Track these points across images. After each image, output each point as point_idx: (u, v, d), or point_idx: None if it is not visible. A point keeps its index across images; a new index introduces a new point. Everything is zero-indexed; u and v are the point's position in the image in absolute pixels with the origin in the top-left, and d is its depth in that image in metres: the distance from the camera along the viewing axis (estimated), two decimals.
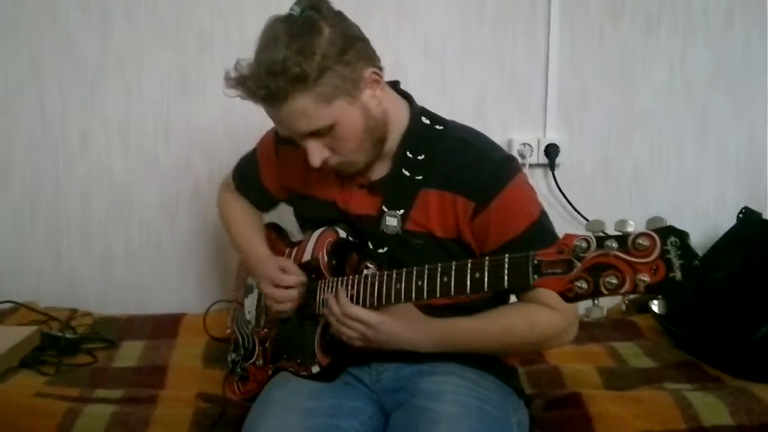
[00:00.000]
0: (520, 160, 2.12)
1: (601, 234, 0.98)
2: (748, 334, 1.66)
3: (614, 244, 0.96)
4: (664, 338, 1.91)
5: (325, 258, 1.41)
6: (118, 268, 2.16)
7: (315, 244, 1.44)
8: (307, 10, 1.27)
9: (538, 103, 2.18)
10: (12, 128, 2.09)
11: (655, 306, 0.94)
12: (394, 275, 1.25)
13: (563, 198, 2.18)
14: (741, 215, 2.04)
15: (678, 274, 0.92)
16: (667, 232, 0.93)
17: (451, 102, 2.12)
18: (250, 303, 1.61)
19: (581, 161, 2.21)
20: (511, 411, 1.37)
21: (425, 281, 1.20)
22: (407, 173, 1.37)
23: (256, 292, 1.61)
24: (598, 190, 2.22)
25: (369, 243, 1.38)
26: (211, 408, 1.48)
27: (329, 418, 1.32)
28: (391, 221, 1.36)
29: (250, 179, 1.63)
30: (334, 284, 1.36)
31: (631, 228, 0.95)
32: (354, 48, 1.27)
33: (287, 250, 1.53)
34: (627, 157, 2.22)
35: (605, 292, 0.97)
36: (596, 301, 0.99)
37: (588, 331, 1.95)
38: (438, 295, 1.19)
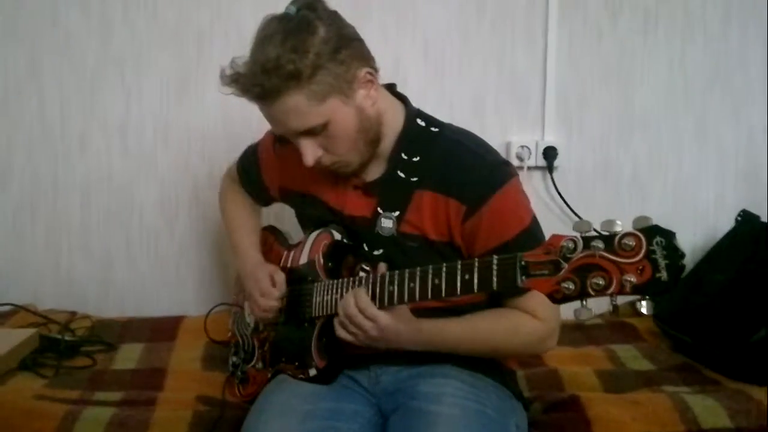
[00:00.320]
0: (518, 163, 2.12)
1: (587, 234, 0.98)
2: (746, 337, 1.66)
3: (600, 245, 0.95)
4: (662, 341, 1.91)
5: (321, 260, 1.41)
6: (117, 271, 2.16)
7: (311, 246, 1.45)
8: (303, 10, 1.27)
9: (536, 104, 2.17)
10: (11, 130, 2.09)
11: (643, 308, 0.94)
12: (387, 277, 1.25)
13: (562, 201, 2.17)
14: (739, 218, 2.03)
15: (664, 275, 0.91)
16: (652, 231, 0.93)
17: (450, 103, 2.12)
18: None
19: (580, 163, 2.20)
20: (509, 414, 1.37)
21: (417, 283, 1.20)
22: (402, 175, 1.36)
23: None
24: (597, 192, 2.21)
25: (364, 245, 1.38)
26: (209, 411, 1.48)
27: (328, 421, 1.31)
28: (387, 223, 1.36)
29: (251, 173, 1.63)
30: (330, 287, 1.36)
31: (618, 228, 0.95)
32: (348, 47, 1.28)
33: (284, 253, 1.53)
34: (626, 159, 2.21)
35: (592, 293, 0.96)
36: (584, 302, 0.98)
37: (586, 333, 1.95)
38: (429, 297, 1.19)
